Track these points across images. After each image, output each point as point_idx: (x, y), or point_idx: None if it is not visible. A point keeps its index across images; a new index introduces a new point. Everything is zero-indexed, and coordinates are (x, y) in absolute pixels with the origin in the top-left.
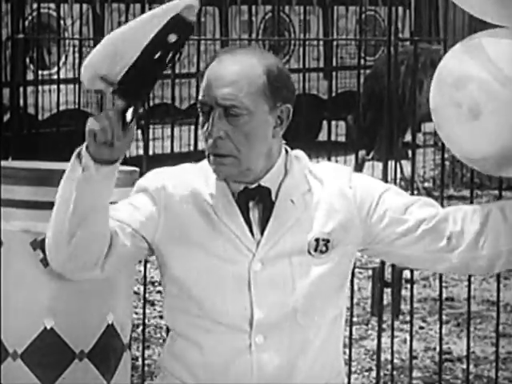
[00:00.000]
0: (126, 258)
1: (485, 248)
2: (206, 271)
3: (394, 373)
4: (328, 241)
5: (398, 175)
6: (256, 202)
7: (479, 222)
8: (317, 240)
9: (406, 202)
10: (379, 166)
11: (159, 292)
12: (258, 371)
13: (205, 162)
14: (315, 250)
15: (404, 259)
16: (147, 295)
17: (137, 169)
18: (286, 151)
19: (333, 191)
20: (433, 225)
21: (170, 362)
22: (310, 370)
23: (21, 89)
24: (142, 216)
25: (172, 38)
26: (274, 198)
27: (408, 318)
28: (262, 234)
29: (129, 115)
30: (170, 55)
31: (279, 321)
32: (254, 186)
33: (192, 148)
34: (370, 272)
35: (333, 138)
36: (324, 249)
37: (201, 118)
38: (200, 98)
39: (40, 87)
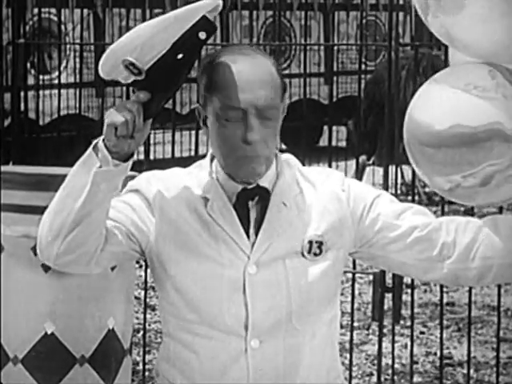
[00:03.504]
0: (119, 257)
1: (475, 260)
2: (201, 275)
3: (395, 378)
4: (321, 243)
5: (399, 180)
6: (255, 202)
7: (471, 234)
8: (310, 242)
9: (399, 208)
10: (380, 171)
11: None
12: (254, 375)
13: (193, 167)
14: (309, 253)
15: (394, 265)
16: (148, 300)
17: (137, 174)
18: (276, 155)
19: (325, 193)
20: (426, 233)
21: (166, 367)
22: (306, 373)
23: (22, 93)
24: (137, 217)
25: (202, 35)
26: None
27: (409, 323)
28: (256, 235)
29: (152, 108)
30: (196, 54)
31: (275, 324)
32: (252, 186)
33: (193, 153)
34: (371, 277)
35: (333, 143)
36: (318, 251)
37: (216, 123)
38: (229, 102)
39: (41, 92)
